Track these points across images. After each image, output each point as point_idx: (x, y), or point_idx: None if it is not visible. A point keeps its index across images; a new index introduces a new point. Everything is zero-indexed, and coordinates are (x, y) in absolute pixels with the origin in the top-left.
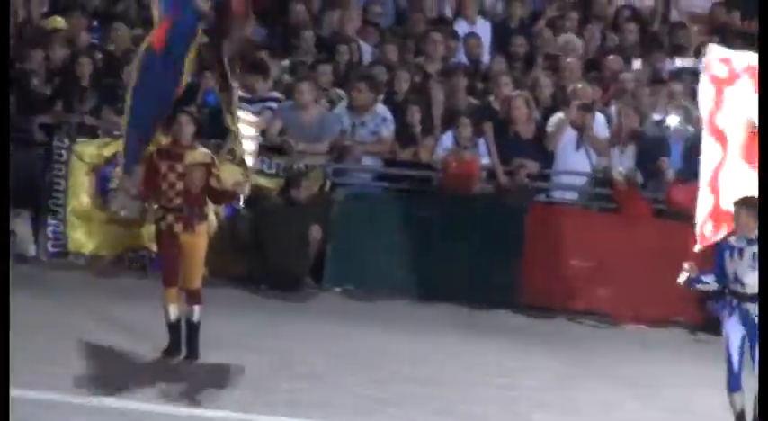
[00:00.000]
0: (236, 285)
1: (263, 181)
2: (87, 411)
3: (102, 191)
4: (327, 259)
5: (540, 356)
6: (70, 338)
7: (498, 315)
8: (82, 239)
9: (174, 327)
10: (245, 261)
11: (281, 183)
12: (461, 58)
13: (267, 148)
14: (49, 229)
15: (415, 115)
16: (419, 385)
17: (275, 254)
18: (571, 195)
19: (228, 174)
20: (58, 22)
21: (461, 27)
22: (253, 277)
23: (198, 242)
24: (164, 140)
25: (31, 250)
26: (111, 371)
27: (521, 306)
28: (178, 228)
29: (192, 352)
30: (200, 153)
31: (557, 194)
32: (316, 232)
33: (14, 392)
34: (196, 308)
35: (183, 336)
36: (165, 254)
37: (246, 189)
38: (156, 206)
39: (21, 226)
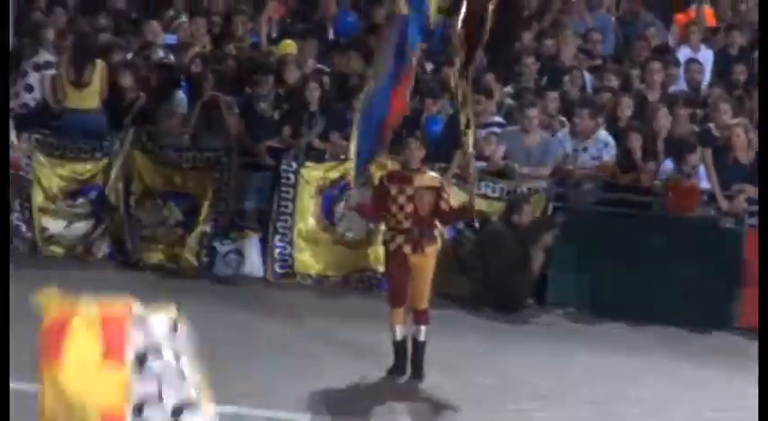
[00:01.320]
0: (458, 306)
1: (485, 204)
2: None
3: (329, 213)
4: (549, 281)
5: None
6: (299, 357)
7: (715, 337)
8: (308, 261)
9: (399, 347)
10: (467, 282)
11: (503, 206)
12: (682, 84)
13: (491, 172)
14: (277, 251)
15: (636, 141)
16: (636, 405)
17: (498, 276)
18: None
19: (455, 197)
20: (290, 45)
21: (683, 53)
22: (475, 298)
23: (426, 263)
24: (390, 164)
25: (259, 271)
26: (339, 391)
27: (738, 328)
28: (407, 249)
29: (418, 371)
30: (429, 176)
31: None
32: (538, 255)
33: (255, 412)
34: (423, 328)
35: (409, 356)
36: (393, 274)
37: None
38: (385, 228)
39: (249, 247)
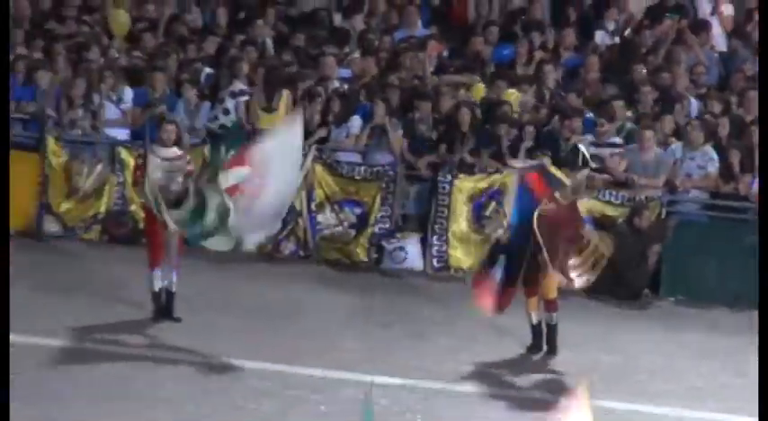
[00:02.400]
0: (586, 295)
1: (609, 210)
2: (465, 396)
3: (478, 217)
4: (663, 274)
5: None
6: (454, 337)
7: None
8: (461, 257)
9: (536, 329)
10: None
11: (624, 211)
12: None
13: (614, 183)
14: (434, 249)
15: (735, 157)
16: (738, 378)
17: (620, 269)
18: None
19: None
20: (513, 94)
21: None
22: (601, 288)
23: None
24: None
25: (420, 265)
26: (487, 365)
27: None
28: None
29: (552, 349)
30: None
31: None
32: (653, 252)
33: (422, 383)
34: (554, 314)
35: (544, 336)
36: (527, 269)
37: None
38: None
39: (411, 246)
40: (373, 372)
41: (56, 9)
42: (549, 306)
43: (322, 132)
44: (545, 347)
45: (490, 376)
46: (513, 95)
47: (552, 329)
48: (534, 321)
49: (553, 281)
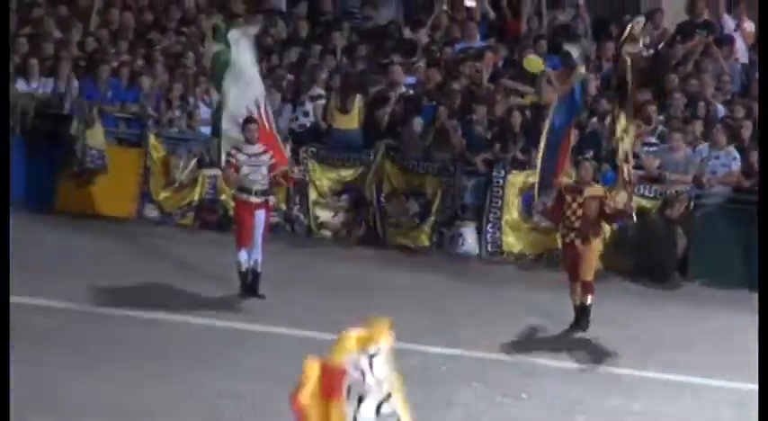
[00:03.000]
0: (622, 277)
1: (644, 202)
2: (518, 367)
3: (527, 208)
4: (690, 259)
5: None
6: (505, 313)
7: None
8: (512, 242)
9: (576, 310)
10: (629, 259)
11: (657, 204)
12: None
13: (648, 179)
14: (489, 235)
15: (754, 156)
16: (751, 351)
17: (652, 254)
18: None
19: (620, 198)
20: (535, 63)
21: None
22: (635, 271)
23: (592, 250)
24: (565, 178)
25: (475, 250)
26: (531, 339)
27: None
28: (578, 242)
29: (584, 326)
30: (597, 188)
31: None
32: (682, 240)
33: (474, 353)
34: (589, 296)
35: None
36: (568, 258)
37: (632, 210)
38: (561, 225)
39: (468, 233)
40: (434, 343)
41: (157, 21)
42: (586, 287)
43: (389, 141)
44: (589, 325)
45: (537, 348)
46: (537, 65)
47: (586, 309)
48: (577, 303)
49: (590, 265)
